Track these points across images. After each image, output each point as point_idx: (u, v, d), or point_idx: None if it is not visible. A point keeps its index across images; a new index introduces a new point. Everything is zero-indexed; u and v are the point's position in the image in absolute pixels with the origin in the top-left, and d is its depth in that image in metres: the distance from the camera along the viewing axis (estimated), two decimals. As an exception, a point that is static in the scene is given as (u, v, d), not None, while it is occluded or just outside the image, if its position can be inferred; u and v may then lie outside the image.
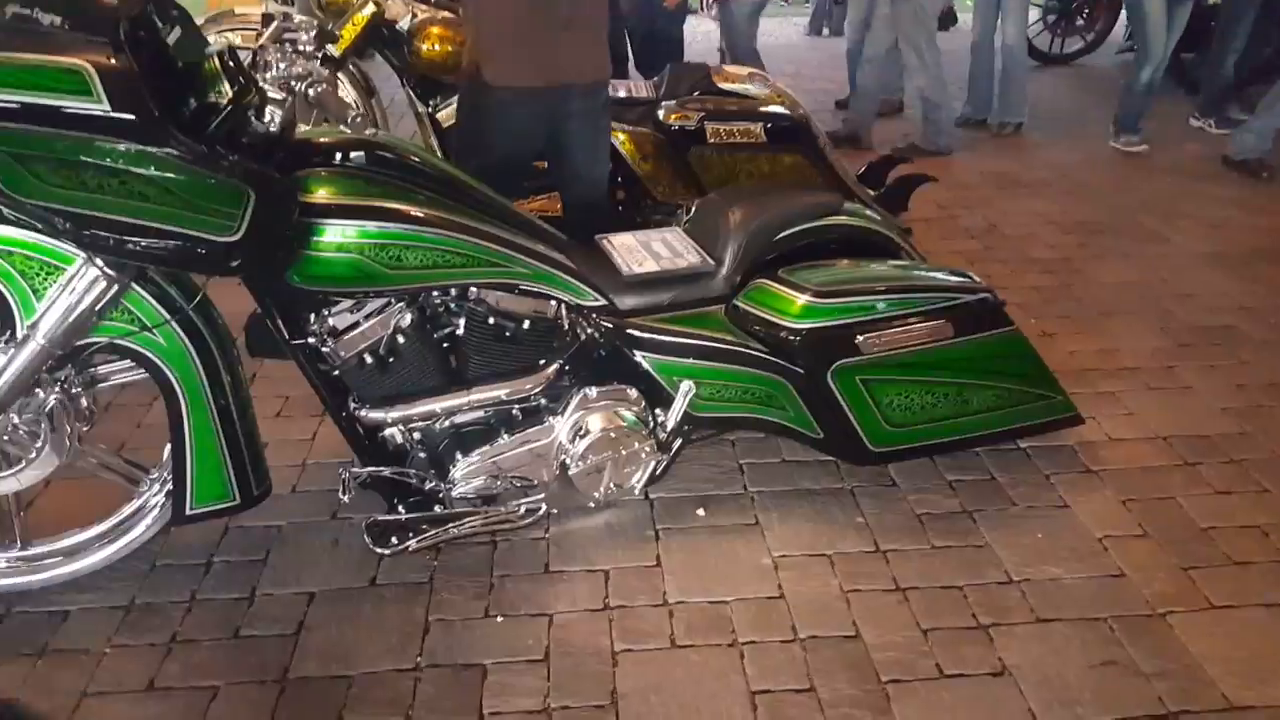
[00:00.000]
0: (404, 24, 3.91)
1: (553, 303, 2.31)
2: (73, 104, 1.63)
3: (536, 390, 2.33)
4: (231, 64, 1.98)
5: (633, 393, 2.39)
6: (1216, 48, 5.93)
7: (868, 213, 2.81)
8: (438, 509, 2.31)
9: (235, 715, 1.97)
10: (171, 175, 1.72)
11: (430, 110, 3.89)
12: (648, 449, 2.40)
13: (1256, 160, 5.23)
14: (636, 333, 2.37)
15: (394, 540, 2.23)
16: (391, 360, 2.20)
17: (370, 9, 3.87)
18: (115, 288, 1.96)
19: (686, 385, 2.38)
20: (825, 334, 2.40)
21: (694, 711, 1.96)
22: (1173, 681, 2.02)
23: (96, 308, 1.96)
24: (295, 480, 2.65)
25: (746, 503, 2.57)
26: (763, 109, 3.67)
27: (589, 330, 2.36)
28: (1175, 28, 5.52)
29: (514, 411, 2.35)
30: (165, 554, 2.37)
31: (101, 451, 2.33)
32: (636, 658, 2.09)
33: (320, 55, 2.90)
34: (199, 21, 2.71)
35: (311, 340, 2.15)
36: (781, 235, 2.50)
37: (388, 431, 2.28)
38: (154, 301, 2.03)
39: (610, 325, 2.36)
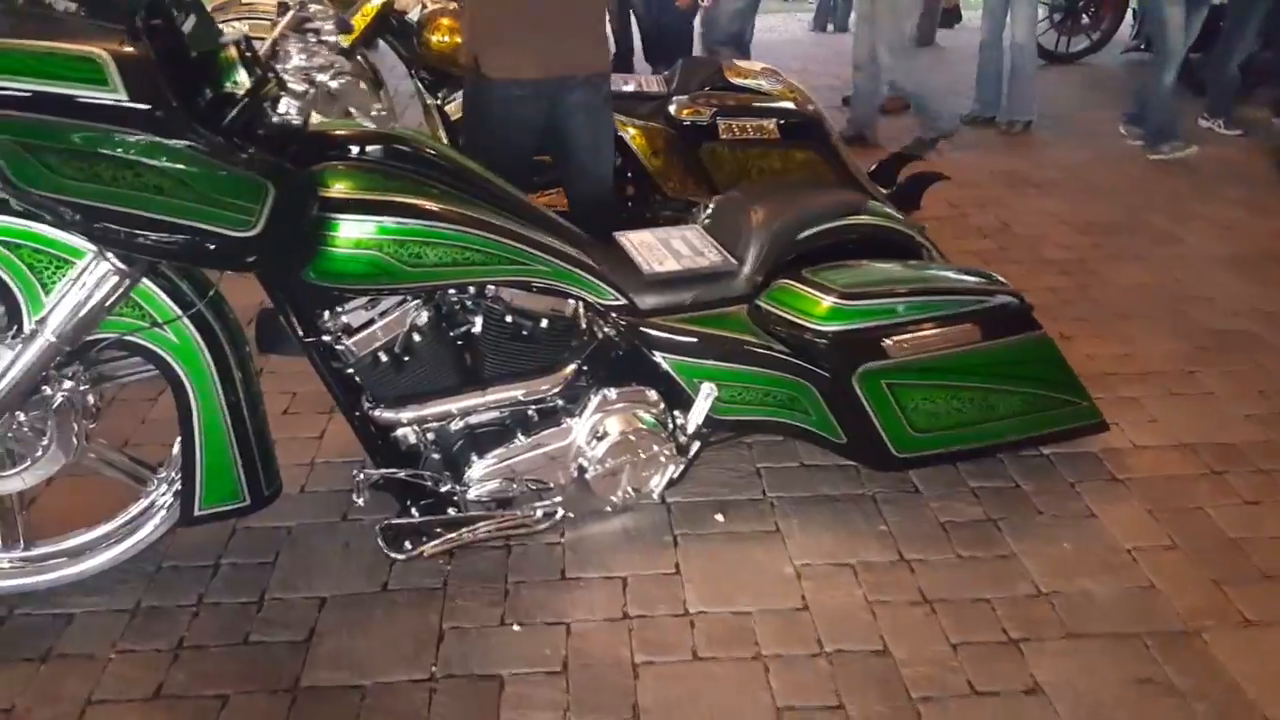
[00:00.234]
0: (414, 15, 3.87)
1: (571, 301, 2.25)
2: (87, 93, 1.57)
3: (554, 391, 2.27)
4: (248, 54, 1.92)
5: (652, 394, 2.33)
6: (1222, 47, 5.89)
7: (890, 211, 2.75)
8: (452, 512, 2.25)
9: (246, 726, 1.91)
10: (188, 168, 1.66)
11: (439, 102, 3.83)
12: (667, 452, 2.33)
13: None
14: (656, 333, 2.32)
15: (408, 545, 2.17)
16: (407, 359, 2.14)
17: (380, -1, 3.81)
18: (126, 282, 1.89)
19: (708, 388, 2.32)
20: (852, 336, 2.34)
21: (720, 727, 1.91)
22: (1211, 702, 1.96)
23: (107, 303, 1.89)
24: (304, 480, 2.59)
25: (765, 508, 2.51)
26: (776, 104, 3.62)
27: (608, 330, 2.30)
28: (1191, 31, 5.48)
29: (530, 413, 2.28)
30: (171, 555, 2.31)
31: (106, 449, 2.25)
32: (658, 670, 2.03)
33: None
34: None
35: (326, 338, 2.09)
36: (805, 234, 2.44)
37: (401, 432, 2.22)
38: (166, 297, 1.97)
39: (630, 325, 2.30)
